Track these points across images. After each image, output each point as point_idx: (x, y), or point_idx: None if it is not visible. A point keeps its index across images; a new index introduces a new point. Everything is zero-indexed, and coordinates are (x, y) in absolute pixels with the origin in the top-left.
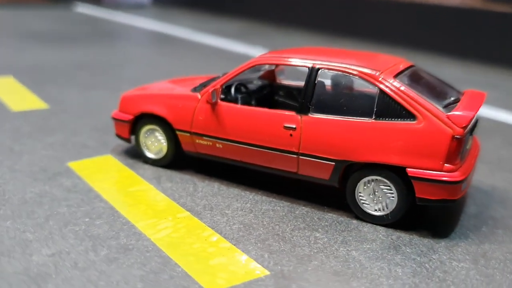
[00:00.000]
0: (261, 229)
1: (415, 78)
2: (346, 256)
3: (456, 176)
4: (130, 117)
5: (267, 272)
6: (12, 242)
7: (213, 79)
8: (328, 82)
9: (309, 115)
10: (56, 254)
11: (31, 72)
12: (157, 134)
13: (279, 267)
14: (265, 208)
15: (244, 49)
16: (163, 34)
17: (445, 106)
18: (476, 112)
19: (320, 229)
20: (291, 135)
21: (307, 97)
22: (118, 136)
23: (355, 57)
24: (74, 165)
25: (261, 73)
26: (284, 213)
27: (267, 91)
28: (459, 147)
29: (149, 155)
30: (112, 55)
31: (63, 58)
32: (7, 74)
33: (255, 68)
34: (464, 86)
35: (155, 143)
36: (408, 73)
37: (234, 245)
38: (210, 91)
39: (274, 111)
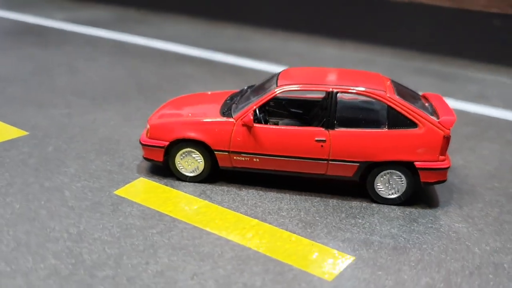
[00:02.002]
0: (319, 224)
1: (400, 91)
2: (391, 234)
3: (447, 163)
4: (166, 143)
5: (352, 257)
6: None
7: (231, 99)
8: (346, 102)
9: (335, 129)
10: (197, 275)
11: None
12: (193, 155)
13: (357, 252)
14: (307, 206)
15: (124, 37)
16: (28, 25)
17: (432, 113)
18: (454, 114)
19: (357, 216)
20: (322, 146)
21: (332, 115)
22: (148, 159)
23: (356, 78)
24: (121, 192)
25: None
26: (323, 208)
27: (283, 107)
28: (447, 143)
29: (187, 173)
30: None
31: None
32: None
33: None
34: (343, 63)
35: (191, 162)
36: (395, 88)
37: (312, 240)
38: (247, 119)
39: (305, 128)
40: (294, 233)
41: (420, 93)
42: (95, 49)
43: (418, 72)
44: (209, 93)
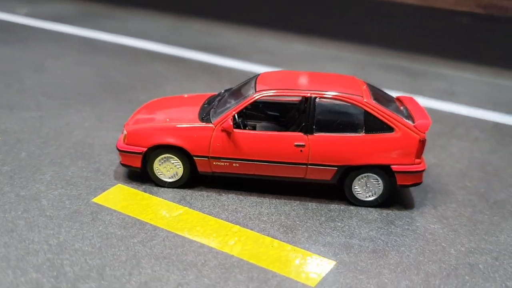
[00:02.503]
0: (299, 228)
1: (376, 95)
2: (370, 237)
3: (422, 166)
4: (144, 149)
5: (334, 262)
6: None
7: (208, 103)
8: (323, 107)
9: (314, 134)
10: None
11: None
12: (172, 160)
13: (338, 256)
14: (287, 210)
15: (90, 33)
16: None
17: (407, 117)
18: (429, 118)
19: (336, 219)
20: (301, 151)
21: (310, 120)
22: (126, 165)
23: (333, 82)
24: (99, 200)
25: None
26: (303, 211)
27: (260, 110)
28: (423, 147)
29: (166, 179)
30: None
31: None
32: None
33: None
34: (312, 60)
35: (170, 168)
36: (371, 92)
37: (294, 245)
38: (227, 125)
39: (285, 133)
40: (276, 238)
41: (394, 96)
42: (61, 46)
43: (387, 68)
44: (186, 96)
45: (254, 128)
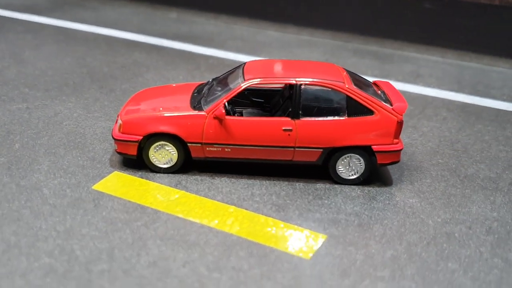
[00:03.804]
0: (290, 206)
1: (355, 81)
2: (355, 212)
3: (400, 146)
4: (139, 137)
5: (325, 236)
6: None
7: (198, 92)
8: (308, 93)
9: (301, 119)
10: (190, 263)
11: None
12: (166, 147)
13: (328, 230)
14: (277, 190)
15: (65, 24)
16: None
17: (385, 101)
18: (405, 101)
19: (323, 197)
20: (289, 135)
21: (297, 106)
22: (121, 153)
23: (316, 70)
24: (99, 187)
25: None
26: (292, 191)
27: (245, 97)
28: (400, 128)
29: (161, 165)
30: None
31: None
32: None
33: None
34: (285, 45)
35: (165, 155)
36: (351, 77)
37: (287, 222)
38: (219, 112)
39: (273, 118)
40: (270, 216)
41: (371, 81)
42: (37, 37)
43: (357, 53)
44: (174, 85)
45: (241, 114)
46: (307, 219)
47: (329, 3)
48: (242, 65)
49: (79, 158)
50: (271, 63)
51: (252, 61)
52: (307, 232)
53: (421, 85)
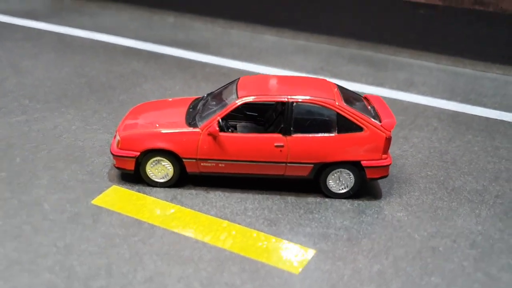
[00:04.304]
0: (281, 221)
1: (346, 97)
2: (344, 226)
3: (388, 161)
4: (137, 153)
5: (314, 250)
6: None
7: (193, 108)
8: (300, 110)
9: (292, 135)
10: (184, 278)
11: None
12: (163, 163)
13: (317, 245)
14: (269, 204)
15: (63, 30)
16: None
17: (374, 117)
18: (394, 117)
19: (314, 211)
20: (280, 151)
21: (288, 123)
22: (120, 168)
23: (308, 87)
24: (98, 202)
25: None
26: (283, 205)
27: (239, 111)
28: (389, 144)
29: (157, 179)
30: None
31: None
32: None
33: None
34: (282, 51)
35: (161, 170)
36: (341, 94)
37: (278, 236)
38: (213, 129)
39: (265, 134)
40: (261, 231)
41: (362, 95)
42: (36, 45)
43: (352, 60)
44: (170, 100)
45: (235, 127)
46: (298, 234)
47: (325, 8)
48: (236, 80)
49: (78, 172)
50: (264, 80)
51: (246, 77)
52: (297, 247)
53: (414, 93)
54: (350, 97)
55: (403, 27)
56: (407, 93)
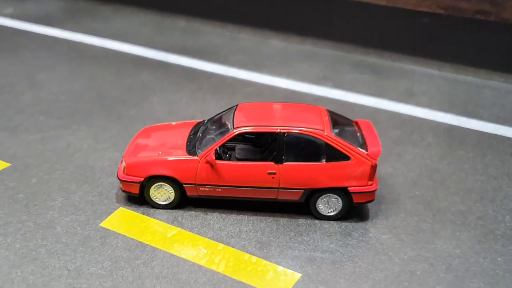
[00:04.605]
0: (272, 244)
1: (335, 123)
2: (330, 249)
3: (374, 187)
4: (141, 179)
5: (299, 275)
6: None
7: (194, 134)
8: (291, 139)
9: (284, 163)
10: None
11: None
12: (165, 187)
13: (304, 269)
14: (262, 226)
15: (76, 37)
16: None
17: (361, 145)
18: (380, 145)
19: (303, 233)
20: (273, 177)
21: (280, 151)
22: (126, 191)
23: (299, 116)
24: (106, 224)
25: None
26: (275, 227)
27: (241, 135)
28: (374, 171)
29: (160, 202)
30: None
31: None
32: None
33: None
34: (288, 56)
35: (163, 193)
36: (332, 122)
37: (268, 260)
38: (210, 158)
39: (258, 163)
40: (253, 254)
41: (353, 120)
42: (51, 54)
43: (356, 66)
44: (174, 124)
45: (233, 149)
46: (286, 257)
47: (331, 15)
48: (234, 108)
49: (89, 194)
50: (259, 109)
51: (243, 104)
52: (284, 270)
53: (413, 104)
54: (340, 122)
55: (407, 34)
56: (406, 105)
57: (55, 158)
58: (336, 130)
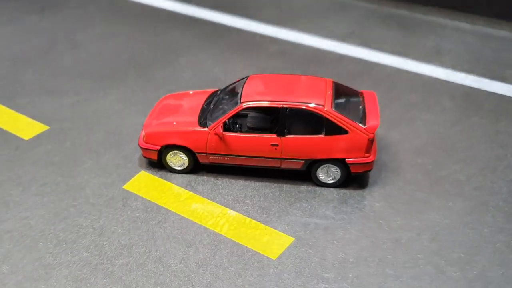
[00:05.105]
0: (272, 209)
1: (339, 95)
2: (325, 216)
3: (371, 158)
4: (158, 147)
5: (292, 239)
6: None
7: (207, 105)
8: (293, 113)
9: (286, 136)
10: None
11: None
12: (180, 155)
13: (297, 233)
14: (266, 192)
15: None
16: None
17: (361, 119)
18: (379, 119)
19: (303, 200)
20: (275, 148)
21: (282, 125)
22: (146, 157)
23: (304, 89)
24: (127, 187)
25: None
26: (278, 193)
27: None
28: (371, 144)
29: (176, 167)
30: None
31: None
32: None
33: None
34: (318, 13)
35: (179, 160)
36: (334, 95)
37: (266, 224)
38: (218, 131)
39: (263, 135)
40: (254, 219)
41: (359, 91)
42: (87, 12)
43: (385, 20)
44: (191, 92)
45: (246, 116)
46: (283, 222)
47: None
48: (244, 80)
49: (115, 157)
50: (267, 83)
51: (254, 77)
52: (280, 234)
53: (437, 64)
54: (344, 96)
55: None
56: (429, 65)
57: (88, 122)
58: (338, 103)
